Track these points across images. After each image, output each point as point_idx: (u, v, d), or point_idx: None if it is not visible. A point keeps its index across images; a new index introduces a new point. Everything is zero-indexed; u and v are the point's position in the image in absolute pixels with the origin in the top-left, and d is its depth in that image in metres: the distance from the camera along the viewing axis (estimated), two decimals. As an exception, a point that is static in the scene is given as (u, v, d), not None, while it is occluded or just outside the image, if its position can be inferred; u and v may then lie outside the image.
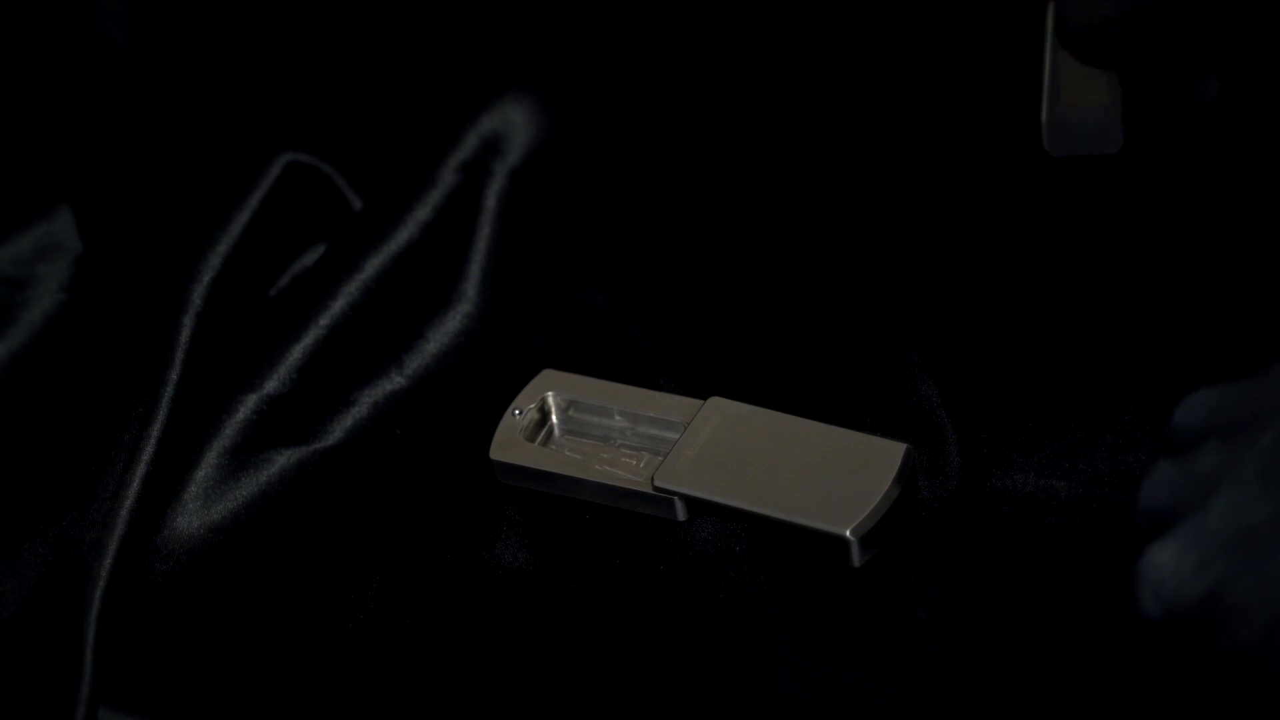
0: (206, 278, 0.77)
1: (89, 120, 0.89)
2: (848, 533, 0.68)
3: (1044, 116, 0.69)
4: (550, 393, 0.76)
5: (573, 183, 0.85)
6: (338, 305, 0.79)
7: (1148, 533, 0.61)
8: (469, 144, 0.83)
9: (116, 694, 0.68)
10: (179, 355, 0.75)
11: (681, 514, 0.72)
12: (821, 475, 0.70)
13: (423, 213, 0.82)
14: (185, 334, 0.76)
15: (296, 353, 0.77)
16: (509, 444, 0.74)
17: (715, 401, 0.74)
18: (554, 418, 0.76)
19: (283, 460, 0.75)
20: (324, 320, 0.78)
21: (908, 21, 0.88)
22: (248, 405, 0.76)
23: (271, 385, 0.77)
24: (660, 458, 0.72)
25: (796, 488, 0.69)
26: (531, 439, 0.75)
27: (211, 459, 0.75)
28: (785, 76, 0.87)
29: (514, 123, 0.84)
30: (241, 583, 0.72)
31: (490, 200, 0.83)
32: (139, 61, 0.91)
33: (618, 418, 0.75)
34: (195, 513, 0.73)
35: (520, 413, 0.75)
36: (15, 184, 0.88)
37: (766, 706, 0.65)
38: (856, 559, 0.69)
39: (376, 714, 0.67)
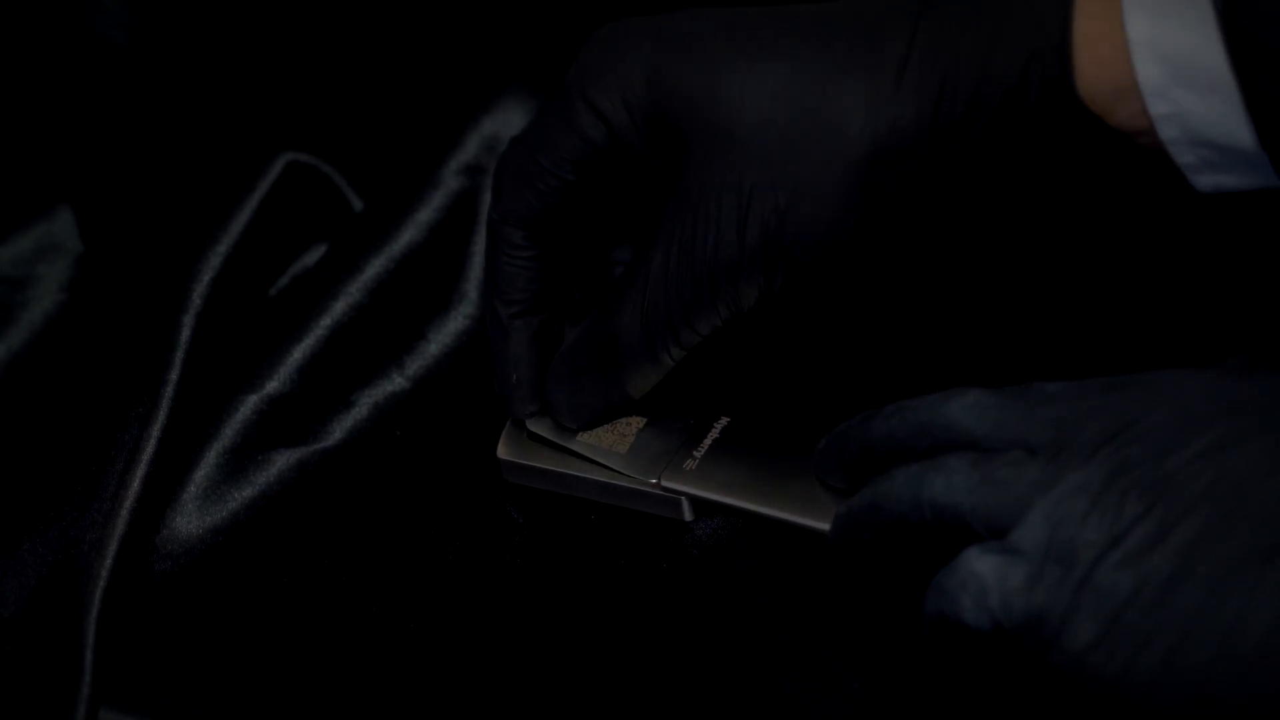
0: (206, 278, 0.77)
1: (89, 120, 0.89)
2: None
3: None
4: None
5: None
6: (338, 306, 0.79)
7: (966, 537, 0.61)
8: (470, 145, 0.83)
9: (116, 694, 0.68)
10: (179, 355, 0.75)
11: (688, 514, 0.72)
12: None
13: (424, 214, 0.81)
14: (185, 334, 0.76)
15: (297, 353, 0.77)
16: (516, 443, 0.74)
17: (719, 403, 0.74)
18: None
19: (283, 460, 0.75)
20: (325, 321, 0.78)
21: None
22: (248, 405, 0.76)
23: (271, 385, 0.76)
24: (666, 457, 0.72)
25: (802, 488, 0.69)
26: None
27: (211, 459, 0.74)
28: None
29: (514, 123, 0.84)
30: (241, 583, 0.72)
31: (491, 201, 0.83)
32: (139, 61, 0.91)
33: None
34: (195, 513, 0.73)
35: (526, 412, 0.75)
36: (15, 184, 0.87)
37: (769, 707, 0.65)
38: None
39: (377, 714, 0.67)
